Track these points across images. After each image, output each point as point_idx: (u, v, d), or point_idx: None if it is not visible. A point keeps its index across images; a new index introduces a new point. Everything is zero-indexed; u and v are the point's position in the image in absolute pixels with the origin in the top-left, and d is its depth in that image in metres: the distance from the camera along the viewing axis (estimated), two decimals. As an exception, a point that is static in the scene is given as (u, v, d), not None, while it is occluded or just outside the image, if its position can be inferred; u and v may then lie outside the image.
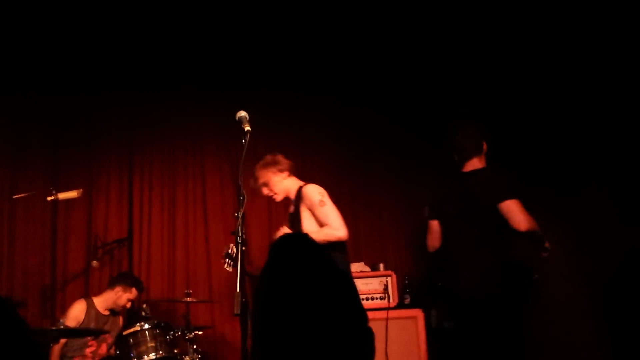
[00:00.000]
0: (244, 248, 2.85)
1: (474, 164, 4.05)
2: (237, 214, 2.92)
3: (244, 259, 2.84)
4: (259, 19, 5.68)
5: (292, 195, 4.29)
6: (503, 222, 3.73)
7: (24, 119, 5.79)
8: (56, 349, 4.81)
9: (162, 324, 4.62)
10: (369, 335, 1.20)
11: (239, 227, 2.87)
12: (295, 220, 4.17)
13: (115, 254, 5.77)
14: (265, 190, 4.34)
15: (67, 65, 5.81)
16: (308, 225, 4.09)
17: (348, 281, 1.21)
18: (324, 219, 4.03)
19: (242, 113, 3.17)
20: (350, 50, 5.91)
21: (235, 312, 2.71)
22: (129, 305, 5.12)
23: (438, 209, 4.14)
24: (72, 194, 4.94)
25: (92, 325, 4.95)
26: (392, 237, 5.94)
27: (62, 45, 5.76)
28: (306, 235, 1.24)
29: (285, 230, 4.14)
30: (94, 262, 5.40)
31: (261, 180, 4.31)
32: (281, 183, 4.32)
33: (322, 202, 4.08)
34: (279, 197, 4.34)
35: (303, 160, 5.98)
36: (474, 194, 3.89)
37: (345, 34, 5.83)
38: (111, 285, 5.15)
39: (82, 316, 4.97)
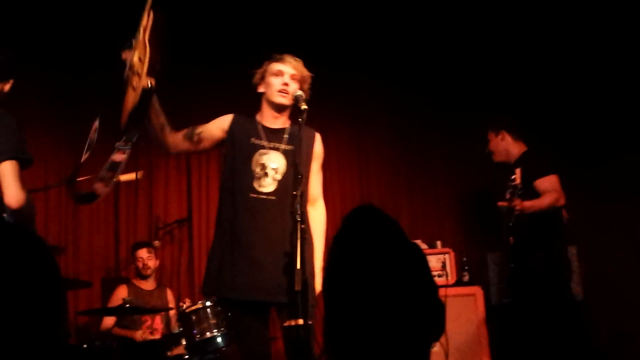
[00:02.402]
0: (302, 226, 2.85)
1: None
2: (296, 192, 2.92)
3: (303, 240, 2.84)
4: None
5: (283, 121, 3.26)
6: None
7: (84, 104, 5.94)
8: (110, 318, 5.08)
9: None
10: (440, 307, 1.20)
11: (298, 206, 2.87)
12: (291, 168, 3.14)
13: (175, 234, 5.91)
14: (292, 85, 3.18)
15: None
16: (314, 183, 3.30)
17: (419, 254, 1.21)
18: (319, 188, 3.34)
19: (299, 92, 3.12)
20: (403, 29, 5.83)
21: (296, 288, 2.73)
22: (141, 264, 5.29)
23: None
24: (133, 176, 5.06)
25: (138, 302, 5.11)
26: (449, 215, 5.89)
27: (118, 26, 5.84)
28: (375, 207, 1.25)
29: None
30: (156, 242, 5.56)
31: (305, 74, 3.25)
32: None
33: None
34: (287, 101, 3.20)
35: (358, 139, 6.00)
36: None
37: (397, 14, 5.77)
38: None
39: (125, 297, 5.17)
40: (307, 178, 3.20)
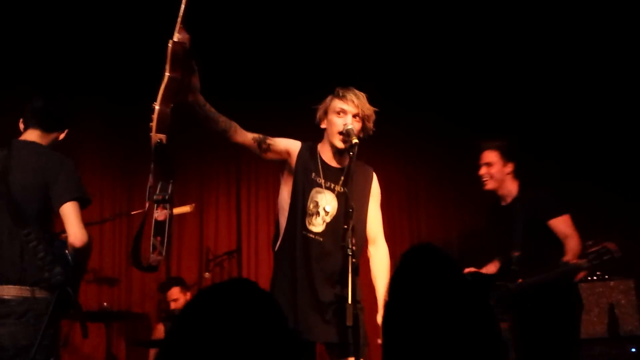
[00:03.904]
0: (354, 260, 2.84)
1: None
2: (347, 225, 2.91)
3: (355, 271, 2.84)
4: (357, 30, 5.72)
5: (341, 160, 3.14)
6: None
7: (138, 137, 6.06)
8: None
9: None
10: (502, 347, 1.18)
11: (349, 239, 2.86)
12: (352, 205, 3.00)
13: (225, 265, 5.96)
14: (355, 125, 3.06)
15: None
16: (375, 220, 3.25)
17: (480, 293, 1.19)
18: (379, 227, 3.29)
19: (349, 126, 3.05)
20: (454, 66, 5.86)
21: (347, 323, 2.71)
22: (173, 305, 5.31)
23: None
24: (186, 209, 5.16)
25: None
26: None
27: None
28: (434, 246, 1.24)
29: None
30: (206, 273, 5.62)
31: (368, 112, 3.12)
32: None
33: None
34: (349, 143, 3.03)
35: (407, 176, 6.02)
36: None
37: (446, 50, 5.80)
38: None
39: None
40: (364, 218, 3.15)
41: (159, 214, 2.67)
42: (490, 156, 4.14)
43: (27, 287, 2.88)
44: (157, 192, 2.69)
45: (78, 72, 5.65)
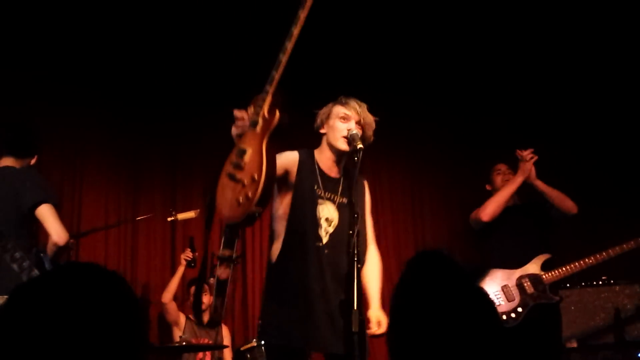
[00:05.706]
0: (359, 265, 2.84)
1: None
2: (352, 231, 2.92)
3: (359, 277, 2.84)
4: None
5: (339, 170, 3.20)
6: None
7: (144, 146, 6.09)
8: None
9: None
10: (507, 354, 1.18)
11: (354, 245, 2.86)
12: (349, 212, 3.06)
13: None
14: (355, 131, 3.07)
15: (184, 94, 6.05)
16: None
17: (486, 300, 1.19)
18: (372, 232, 3.31)
19: (354, 131, 3.07)
20: (457, 77, 5.90)
21: (353, 329, 2.71)
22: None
23: None
24: (190, 214, 5.17)
25: (189, 336, 5.29)
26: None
27: (177, 74, 6.00)
28: (441, 252, 1.24)
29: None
30: (211, 279, 5.59)
31: (369, 119, 3.15)
32: None
33: None
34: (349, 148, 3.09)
35: (412, 183, 6.05)
36: None
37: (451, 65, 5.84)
38: None
39: (183, 324, 5.38)
40: (365, 224, 3.19)
41: (222, 272, 2.63)
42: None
43: (4, 297, 2.97)
44: (222, 247, 2.64)
45: (83, 83, 5.68)
